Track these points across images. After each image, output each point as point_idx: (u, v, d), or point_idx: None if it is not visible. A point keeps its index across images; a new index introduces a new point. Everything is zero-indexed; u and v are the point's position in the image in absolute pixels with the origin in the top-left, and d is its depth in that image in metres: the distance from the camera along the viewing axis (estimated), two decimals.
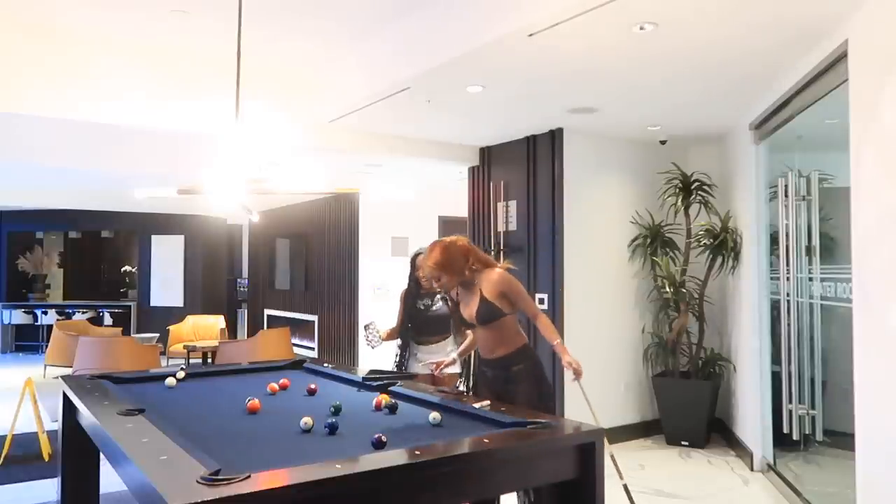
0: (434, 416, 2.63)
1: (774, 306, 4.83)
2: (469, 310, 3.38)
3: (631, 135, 5.99)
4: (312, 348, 9.70)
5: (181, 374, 3.68)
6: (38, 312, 11.81)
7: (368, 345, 4.08)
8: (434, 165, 6.72)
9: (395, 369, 4.17)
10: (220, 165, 3.86)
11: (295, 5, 4.14)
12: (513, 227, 6.21)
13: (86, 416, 2.83)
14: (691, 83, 4.45)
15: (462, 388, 4.06)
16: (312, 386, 3.33)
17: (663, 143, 6.23)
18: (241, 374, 3.97)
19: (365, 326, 4.10)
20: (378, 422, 2.70)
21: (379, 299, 8.69)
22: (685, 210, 5.89)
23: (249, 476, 1.81)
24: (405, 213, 8.82)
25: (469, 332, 3.75)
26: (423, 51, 4.20)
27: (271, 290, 11.18)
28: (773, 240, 4.88)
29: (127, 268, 12.95)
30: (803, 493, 4.23)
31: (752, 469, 5.04)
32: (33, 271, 12.52)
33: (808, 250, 4.22)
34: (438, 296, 4.15)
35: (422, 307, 4.25)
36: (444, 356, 3.93)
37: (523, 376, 3.31)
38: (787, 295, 4.41)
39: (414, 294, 4.28)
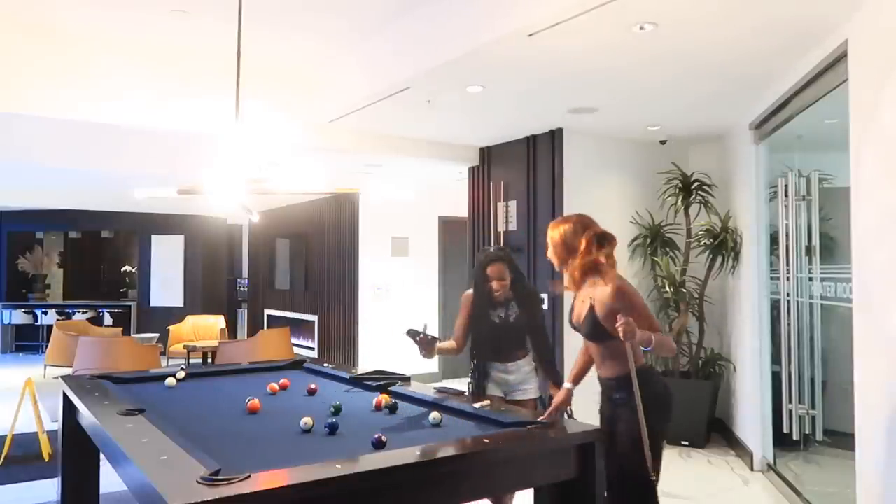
0: (434, 416, 2.63)
1: (774, 306, 4.83)
2: (577, 313, 2.83)
3: (631, 135, 5.99)
4: (312, 348, 9.70)
5: (181, 375, 3.68)
6: (38, 312, 11.80)
7: (422, 354, 3.30)
8: (434, 165, 6.72)
9: (472, 393, 3.47)
10: (220, 165, 3.85)
11: (295, 5, 4.14)
12: (513, 227, 6.20)
13: (86, 416, 2.83)
14: (691, 83, 4.45)
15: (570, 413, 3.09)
16: (312, 386, 3.33)
17: (663, 143, 6.23)
18: (241, 374, 3.97)
19: (414, 334, 3.25)
20: (378, 422, 2.70)
21: (379, 299, 8.70)
22: (685, 210, 5.89)
23: (249, 476, 1.81)
24: (405, 213, 8.82)
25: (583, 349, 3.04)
26: (423, 51, 4.20)
27: (271, 290, 11.18)
28: (773, 240, 4.88)
29: (127, 268, 12.94)
30: (803, 493, 4.23)
31: (752, 469, 5.04)
32: (33, 271, 12.51)
33: (808, 250, 4.22)
34: (513, 304, 3.49)
35: (496, 319, 3.50)
36: (521, 376, 3.44)
37: (624, 408, 2.67)
38: (787, 295, 4.41)
39: (486, 304, 3.50)
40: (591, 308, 2.70)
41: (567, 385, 3.00)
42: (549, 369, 3.52)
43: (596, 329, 2.71)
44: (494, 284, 3.44)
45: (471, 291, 3.55)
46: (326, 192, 7.78)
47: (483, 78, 4.34)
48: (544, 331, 3.62)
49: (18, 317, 11.92)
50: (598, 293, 2.70)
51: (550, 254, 2.90)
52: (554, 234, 2.87)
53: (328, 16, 4.32)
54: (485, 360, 3.52)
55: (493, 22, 3.64)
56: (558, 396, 2.97)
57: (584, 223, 2.83)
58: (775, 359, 4.79)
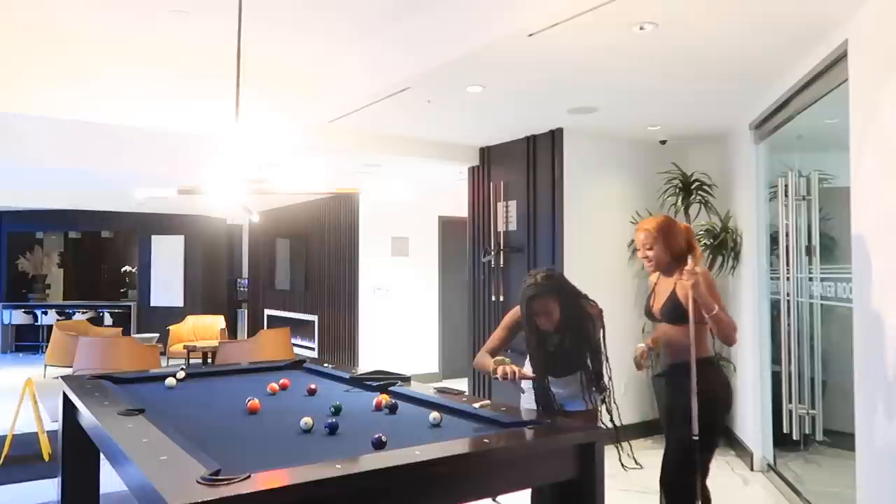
0: (434, 416, 2.63)
1: (774, 306, 4.83)
2: (657, 303, 3.14)
3: (631, 135, 5.99)
4: (312, 348, 9.70)
5: (181, 375, 3.68)
6: (38, 312, 11.81)
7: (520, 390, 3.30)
8: (434, 165, 6.72)
9: (541, 409, 3.28)
10: (220, 165, 3.85)
11: (295, 5, 4.14)
12: (513, 227, 6.21)
13: (86, 416, 2.83)
14: (691, 83, 4.45)
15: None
16: (312, 386, 3.33)
17: (663, 143, 6.23)
18: (241, 374, 3.97)
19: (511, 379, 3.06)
20: (378, 422, 2.69)
21: (379, 299, 8.70)
22: (685, 210, 5.89)
23: (249, 476, 1.81)
24: (405, 213, 8.82)
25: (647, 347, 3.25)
26: (423, 51, 4.20)
27: (271, 290, 11.18)
28: (773, 240, 4.88)
29: (127, 268, 12.95)
30: (803, 493, 4.23)
31: (752, 469, 5.04)
32: (33, 271, 12.52)
33: (808, 250, 4.22)
34: (568, 332, 3.28)
35: (550, 348, 3.32)
36: (575, 389, 3.25)
37: (689, 393, 2.93)
38: (787, 295, 4.41)
39: (536, 338, 3.31)
40: (674, 291, 2.99)
41: (641, 344, 3.20)
42: (599, 387, 3.28)
43: (676, 310, 2.97)
44: (541, 320, 3.19)
45: (518, 312, 3.31)
46: (326, 192, 7.78)
47: (483, 78, 4.34)
48: (601, 348, 3.29)
49: (18, 317, 11.93)
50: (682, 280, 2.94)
51: (647, 250, 3.12)
52: (652, 233, 3.10)
53: (328, 16, 4.32)
54: (544, 381, 3.30)
55: (493, 22, 3.64)
56: (637, 350, 3.21)
57: (674, 221, 3.16)
58: (775, 359, 4.79)
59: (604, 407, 3.21)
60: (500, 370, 3.00)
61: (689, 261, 3.00)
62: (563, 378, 3.30)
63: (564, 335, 3.24)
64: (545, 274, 3.18)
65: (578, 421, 3.18)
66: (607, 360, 3.27)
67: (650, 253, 3.10)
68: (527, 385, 3.36)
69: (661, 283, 3.18)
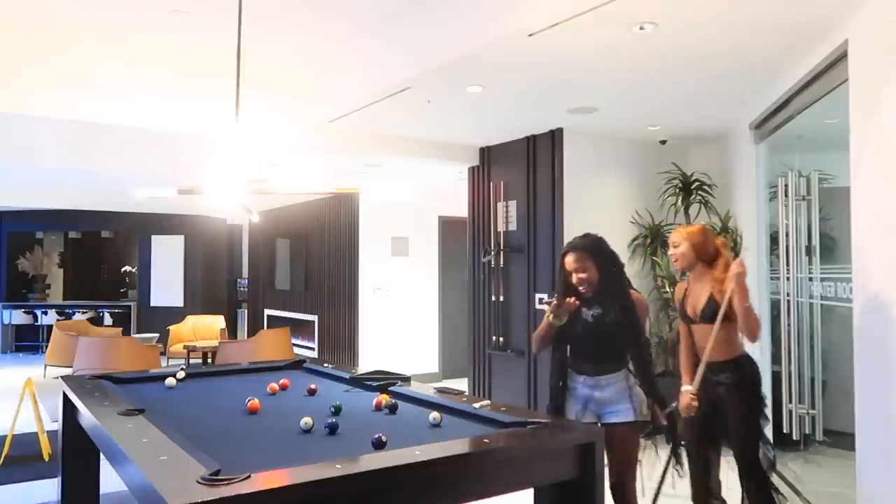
0: (434, 416, 2.62)
1: (774, 306, 4.83)
2: (693, 304, 3.19)
3: (631, 135, 5.99)
4: (312, 348, 9.70)
5: (181, 375, 3.67)
6: (38, 312, 11.80)
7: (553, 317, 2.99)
8: (434, 165, 6.72)
9: (552, 410, 3.06)
10: (220, 165, 3.85)
11: (295, 5, 4.14)
12: (513, 227, 6.21)
13: (86, 416, 2.83)
14: (691, 83, 4.45)
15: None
16: (312, 386, 3.33)
17: (663, 143, 6.23)
18: (241, 374, 3.97)
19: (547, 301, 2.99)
20: (378, 422, 2.69)
21: (379, 299, 8.70)
22: (685, 210, 5.89)
23: (249, 476, 1.81)
24: (405, 213, 8.82)
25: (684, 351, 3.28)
26: (423, 51, 4.20)
27: (271, 290, 11.18)
28: (773, 240, 4.88)
29: (127, 268, 12.95)
30: (803, 493, 4.22)
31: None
32: (33, 271, 12.51)
33: (808, 250, 4.22)
34: (615, 304, 3.00)
35: (589, 318, 2.98)
36: (614, 394, 2.95)
37: (733, 390, 3.07)
38: (787, 295, 4.41)
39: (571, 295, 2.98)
40: (711, 294, 3.08)
41: (687, 388, 3.13)
42: (650, 386, 3.03)
43: (716, 310, 3.01)
44: (574, 278, 2.98)
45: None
46: (326, 192, 7.79)
47: (483, 78, 4.34)
48: (644, 340, 3.08)
49: (18, 317, 11.92)
50: (717, 281, 3.08)
51: (674, 248, 3.24)
52: (682, 234, 3.25)
53: (328, 16, 4.31)
54: (567, 370, 3.02)
55: (492, 22, 3.64)
56: (683, 400, 3.14)
57: (708, 231, 3.34)
58: (775, 359, 4.79)
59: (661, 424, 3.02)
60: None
61: (729, 260, 3.13)
62: (606, 377, 2.97)
63: (606, 307, 2.95)
64: (584, 234, 3.09)
65: (621, 434, 2.94)
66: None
67: (676, 250, 3.24)
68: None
69: (694, 287, 3.25)
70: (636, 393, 3.05)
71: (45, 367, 9.01)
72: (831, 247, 4.14)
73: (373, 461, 2.06)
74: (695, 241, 3.19)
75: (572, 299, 2.93)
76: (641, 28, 3.42)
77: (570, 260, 3.03)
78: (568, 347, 3.11)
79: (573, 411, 3.06)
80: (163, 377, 3.57)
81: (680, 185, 5.89)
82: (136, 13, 4.27)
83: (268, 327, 10.91)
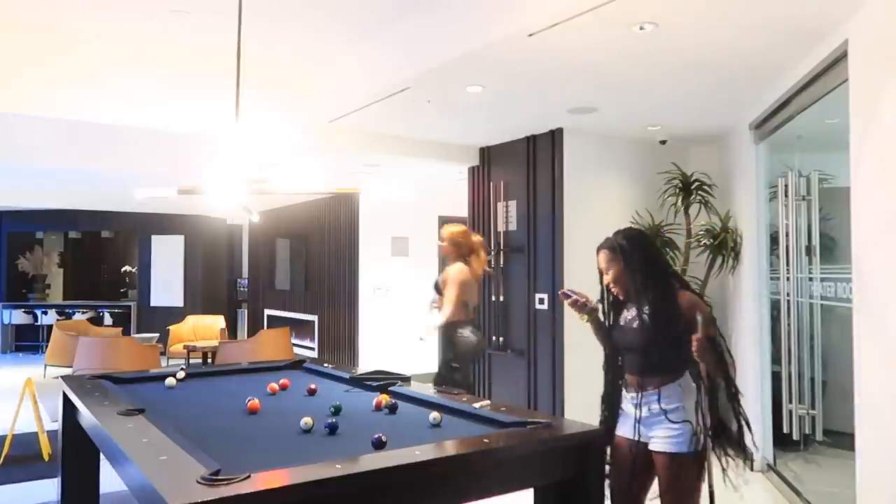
0: (434, 416, 2.62)
1: (774, 306, 4.83)
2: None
3: (631, 135, 5.99)
4: (312, 348, 9.70)
5: (181, 375, 3.67)
6: (38, 312, 11.80)
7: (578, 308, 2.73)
8: (434, 165, 6.72)
9: (603, 426, 2.68)
10: (220, 165, 3.86)
11: (295, 5, 4.14)
12: (513, 227, 6.20)
13: (86, 416, 2.83)
14: (691, 83, 4.45)
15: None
16: (312, 386, 3.33)
17: (663, 143, 6.23)
18: (241, 374, 3.97)
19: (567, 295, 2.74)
20: (378, 422, 2.69)
21: (379, 299, 8.70)
22: (685, 210, 5.89)
23: (249, 476, 1.81)
24: (405, 213, 8.82)
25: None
26: (423, 51, 4.20)
27: (271, 290, 11.18)
28: (773, 240, 4.88)
29: (127, 268, 12.95)
30: (803, 493, 4.22)
31: (752, 469, 5.03)
32: (33, 271, 12.51)
33: (808, 250, 4.22)
34: (647, 304, 2.58)
35: (622, 322, 2.67)
36: (657, 414, 2.52)
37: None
38: (787, 295, 4.41)
39: (610, 305, 2.74)
40: None
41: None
42: (710, 407, 2.52)
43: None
44: (606, 277, 2.70)
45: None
46: (326, 192, 7.79)
47: (483, 78, 4.34)
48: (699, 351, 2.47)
49: (18, 317, 11.93)
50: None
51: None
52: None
53: (328, 16, 4.31)
54: (617, 383, 2.67)
55: (492, 22, 3.64)
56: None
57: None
58: (775, 359, 4.79)
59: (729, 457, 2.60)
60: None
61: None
62: (645, 392, 2.55)
63: (640, 311, 2.57)
64: (622, 229, 2.81)
65: (666, 463, 2.48)
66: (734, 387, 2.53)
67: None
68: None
69: None
70: (685, 416, 2.52)
71: (45, 367, 9.01)
72: (831, 247, 4.14)
73: (373, 461, 2.06)
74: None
75: (585, 297, 2.71)
76: (641, 28, 3.42)
77: (600, 258, 2.75)
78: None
79: (624, 433, 2.66)
80: (163, 377, 3.57)
81: (680, 185, 5.89)
82: (135, 13, 4.27)
83: (268, 327, 10.91)
